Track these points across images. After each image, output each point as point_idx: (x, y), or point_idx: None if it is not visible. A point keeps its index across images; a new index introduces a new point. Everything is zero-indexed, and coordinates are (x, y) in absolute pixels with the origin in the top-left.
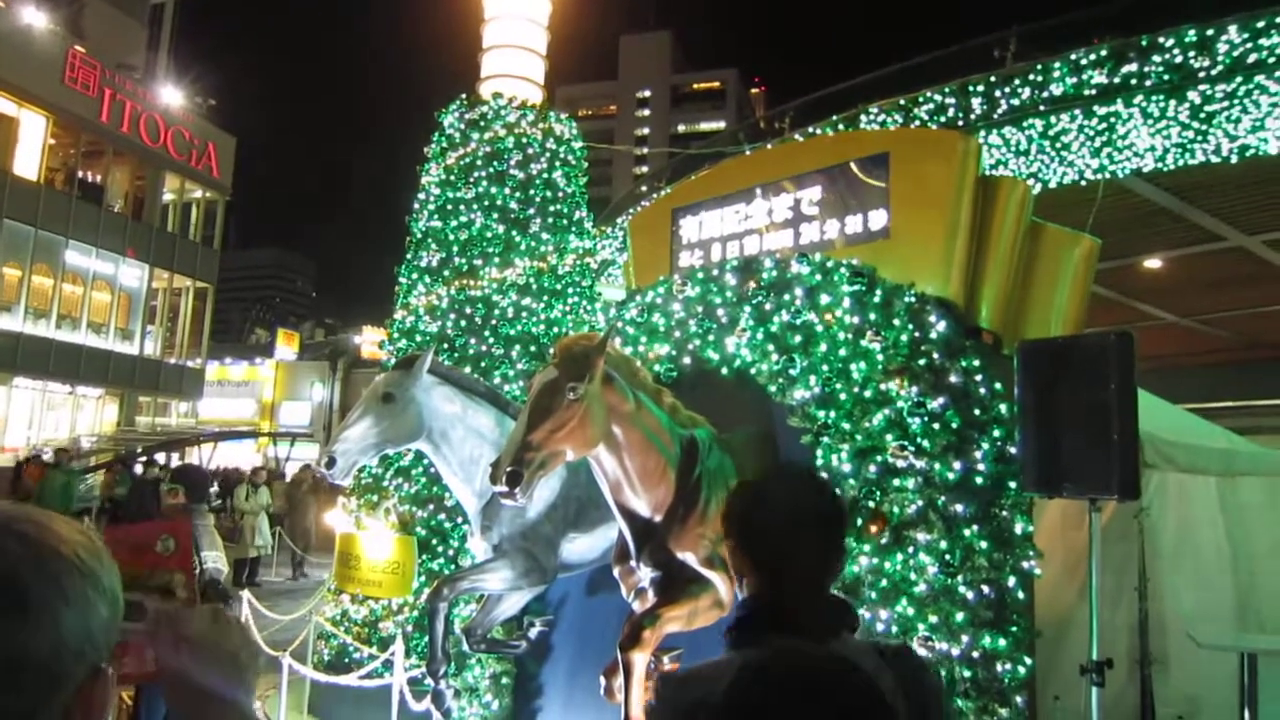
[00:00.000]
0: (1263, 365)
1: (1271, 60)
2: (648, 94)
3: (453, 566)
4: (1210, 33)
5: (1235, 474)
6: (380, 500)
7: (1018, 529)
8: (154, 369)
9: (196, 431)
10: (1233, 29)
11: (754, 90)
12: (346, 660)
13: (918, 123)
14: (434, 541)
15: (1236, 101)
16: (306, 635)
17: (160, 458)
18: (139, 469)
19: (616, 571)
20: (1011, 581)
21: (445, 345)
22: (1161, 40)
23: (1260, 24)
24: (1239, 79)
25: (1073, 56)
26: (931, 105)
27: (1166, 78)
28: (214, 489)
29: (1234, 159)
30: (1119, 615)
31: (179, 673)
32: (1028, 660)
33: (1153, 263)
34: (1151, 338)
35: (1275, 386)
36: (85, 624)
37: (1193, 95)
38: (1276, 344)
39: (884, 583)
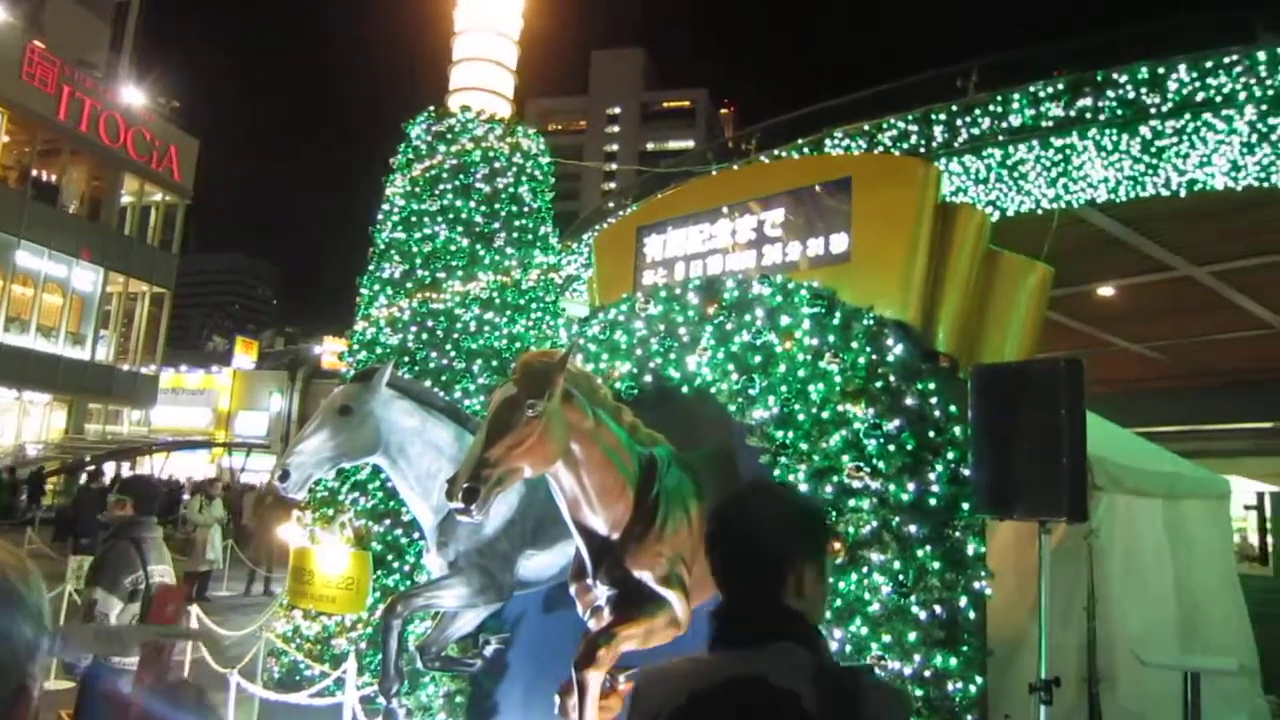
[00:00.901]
0: (1210, 391)
1: (1219, 99)
2: (618, 110)
3: (409, 583)
4: (1161, 71)
5: (1180, 496)
6: (336, 514)
7: (970, 550)
8: (106, 375)
9: (148, 440)
10: (1182, 68)
11: (724, 110)
12: (298, 678)
13: (881, 148)
14: (390, 557)
15: (1185, 138)
16: (257, 652)
17: (110, 467)
18: (83, 478)
19: (573, 589)
20: (964, 601)
21: (406, 358)
22: (1116, 76)
23: (1209, 64)
24: (1188, 116)
25: (1031, 89)
26: (895, 132)
27: (1120, 112)
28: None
29: (1182, 192)
30: (1068, 635)
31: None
32: (979, 679)
33: (1106, 290)
34: (1104, 363)
35: (1222, 411)
36: (9, 644)
37: (1144, 130)
38: (1223, 370)
39: (839, 602)
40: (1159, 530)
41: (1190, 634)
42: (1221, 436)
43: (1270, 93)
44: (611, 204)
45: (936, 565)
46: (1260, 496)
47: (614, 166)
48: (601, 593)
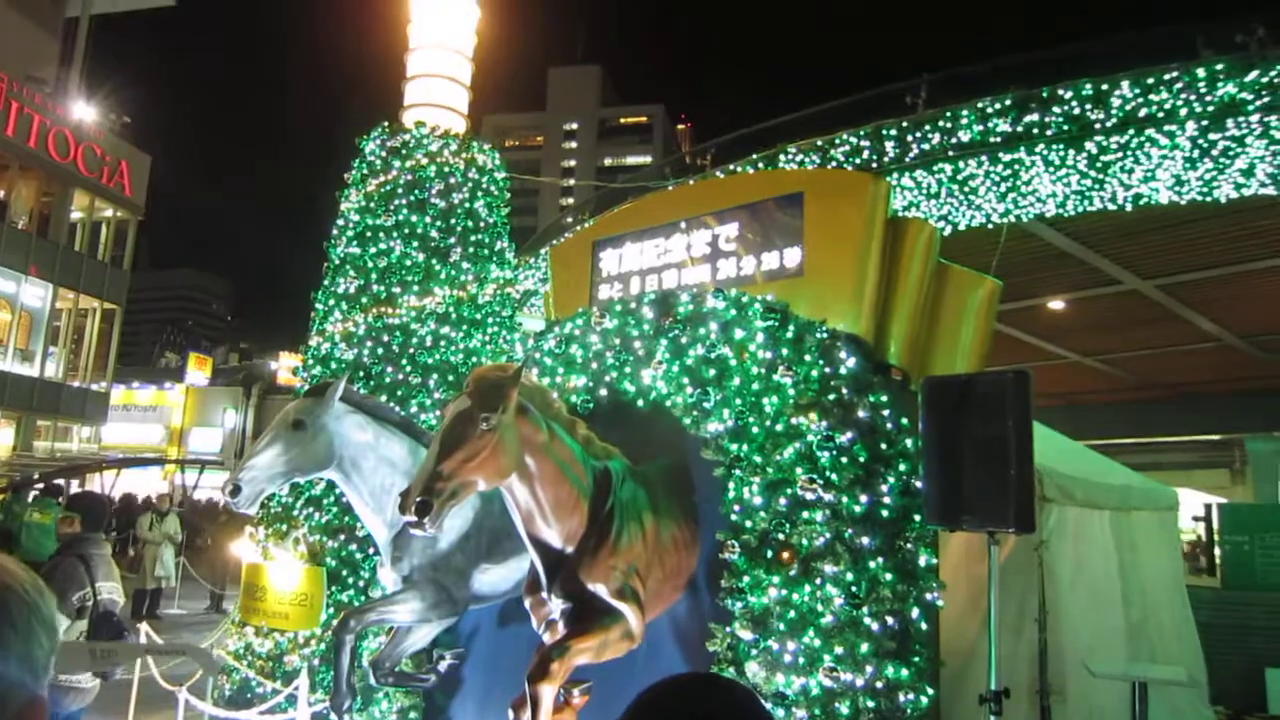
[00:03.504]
0: (1160, 403)
1: (1160, 115)
2: (575, 126)
3: (363, 598)
4: (1105, 87)
5: (1129, 509)
6: (289, 530)
7: (921, 561)
8: (55, 392)
9: (98, 458)
10: (1125, 84)
11: (680, 126)
12: (249, 695)
13: (834, 163)
14: (344, 573)
15: (1129, 153)
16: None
17: (59, 485)
18: (31, 496)
19: (528, 603)
20: (915, 613)
21: (361, 373)
22: (1061, 92)
23: (1150, 80)
24: (1131, 132)
25: (979, 105)
26: (847, 147)
27: (1066, 128)
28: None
29: (1128, 207)
30: (1020, 646)
31: None
32: (930, 690)
33: (1056, 304)
34: (1056, 376)
35: (1171, 424)
36: (30, 657)
37: (1090, 145)
38: (1172, 383)
39: (792, 614)
40: (1108, 542)
41: (1139, 644)
42: (1171, 449)
43: (1210, 109)
44: (569, 219)
45: (889, 577)
46: (1208, 508)
47: (571, 182)
48: (556, 606)
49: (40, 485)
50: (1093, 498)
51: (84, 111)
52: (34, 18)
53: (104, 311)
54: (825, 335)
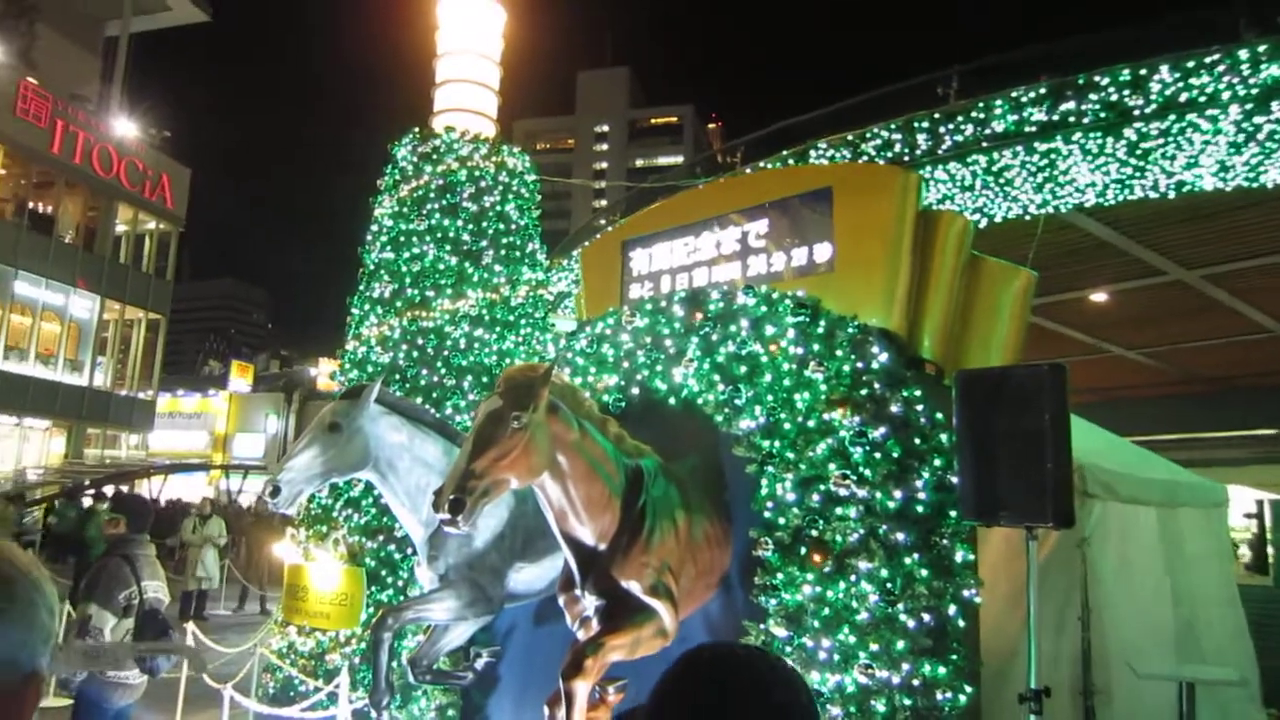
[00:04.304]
0: (1208, 398)
1: (1202, 99)
2: (605, 129)
3: (401, 598)
4: (1144, 72)
5: (1175, 505)
6: (329, 531)
7: (958, 557)
8: (103, 401)
9: (146, 464)
10: (1164, 69)
11: (711, 126)
12: (291, 693)
13: (865, 158)
14: (383, 573)
15: (1171, 139)
16: (251, 668)
17: (108, 491)
18: (87, 502)
19: (562, 600)
20: (952, 610)
21: (397, 376)
22: (1097, 79)
23: (1190, 64)
24: (1172, 117)
25: (1013, 94)
26: (879, 141)
27: (1103, 115)
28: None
29: (1171, 194)
30: (1063, 645)
31: None
32: (968, 689)
33: (1098, 296)
34: (1099, 370)
35: (1220, 419)
36: (30, 630)
37: (1129, 133)
38: (1219, 376)
39: (826, 611)
40: (1154, 539)
41: (1188, 645)
42: (1221, 445)
43: (1254, 91)
44: (601, 220)
45: (924, 573)
46: (1260, 504)
47: (602, 184)
48: (589, 603)
49: (91, 491)
50: (1137, 493)
51: (125, 127)
52: (76, 38)
53: (149, 322)
54: (856, 330)
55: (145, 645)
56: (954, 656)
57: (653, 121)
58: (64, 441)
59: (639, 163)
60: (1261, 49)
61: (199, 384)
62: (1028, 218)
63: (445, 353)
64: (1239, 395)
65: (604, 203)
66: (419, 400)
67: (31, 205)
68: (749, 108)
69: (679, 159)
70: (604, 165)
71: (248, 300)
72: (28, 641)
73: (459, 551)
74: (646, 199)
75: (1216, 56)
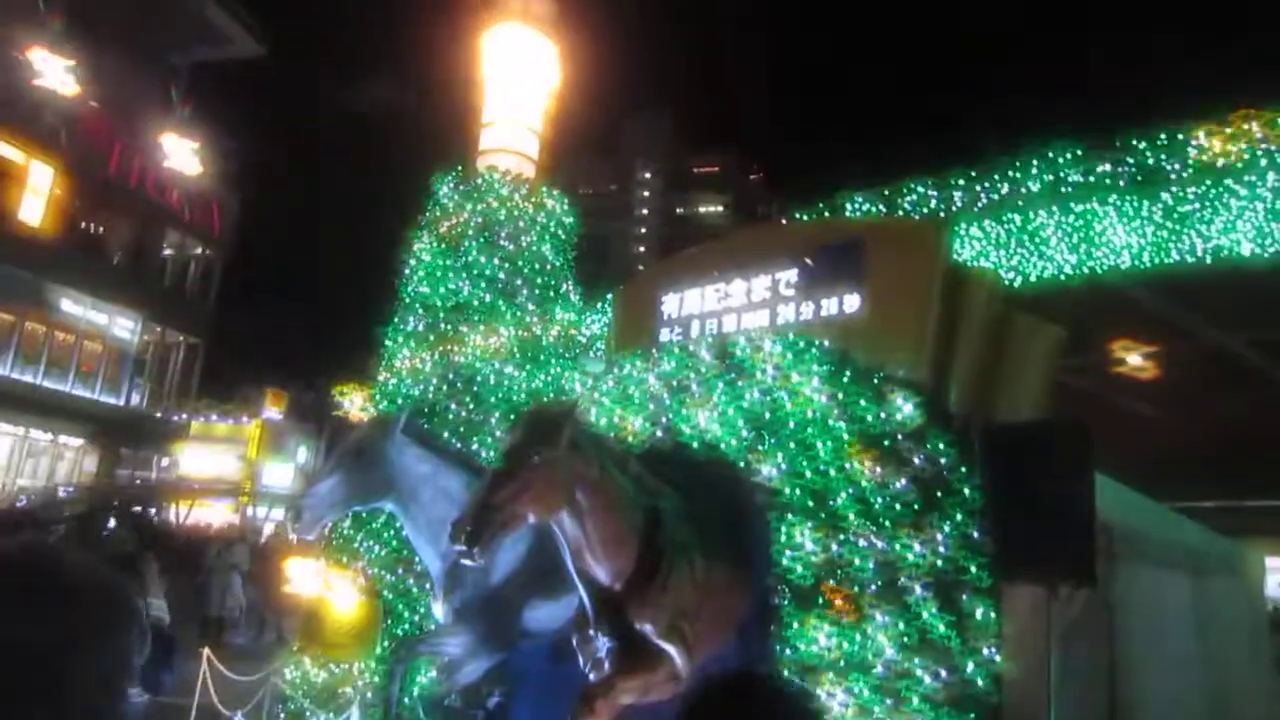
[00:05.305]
0: (1248, 465)
1: (1239, 165)
2: (648, 175)
3: (418, 632)
4: (1180, 136)
5: (1209, 571)
6: (350, 562)
7: (978, 614)
8: (138, 421)
9: (175, 486)
10: (1201, 133)
11: (752, 177)
12: None
13: (900, 212)
14: (400, 606)
15: (1208, 204)
16: (263, 697)
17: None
18: (112, 522)
19: (575, 640)
20: (970, 667)
21: (426, 409)
22: (1135, 142)
23: (1228, 130)
24: (1208, 182)
25: (1049, 154)
26: (915, 196)
27: (1139, 178)
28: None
29: (1209, 259)
30: (1088, 712)
31: None
32: None
33: (1134, 358)
34: (1135, 433)
35: (1260, 487)
36: (127, 653)
37: (1165, 196)
38: (1259, 444)
39: (841, 662)
40: (1186, 605)
41: (1219, 712)
42: (1262, 514)
43: None
44: (640, 267)
45: (942, 628)
46: None
47: (642, 230)
48: (602, 644)
49: (118, 511)
50: (1168, 558)
51: (180, 153)
52: (138, 64)
53: (188, 345)
54: (882, 381)
55: None
56: (972, 715)
57: (695, 170)
58: (97, 460)
59: (680, 210)
60: None
61: (233, 409)
62: (1062, 278)
63: (475, 388)
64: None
65: (643, 249)
66: (447, 434)
67: (83, 225)
68: (791, 152)
69: (719, 208)
70: (644, 212)
71: (285, 328)
72: (127, 662)
73: (476, 586)
74: (685, 247)
75: (1254, 124)
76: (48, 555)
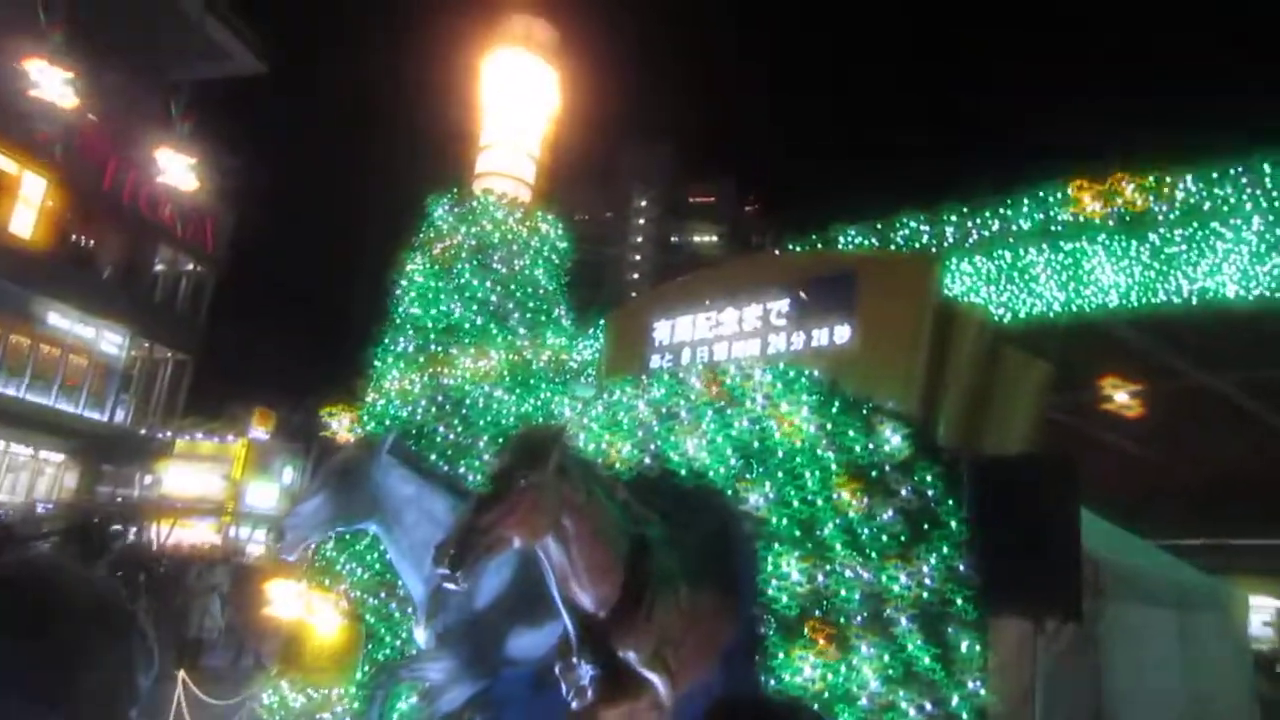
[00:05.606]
0: (1233, 503)
1: (1225, 209)
2: (644, 203)
3: (400, 656)
4: (1168, 179)
5: (1195, 609)
6: (332, 584)
7: (964, 647)
8: (121, 438)
9: (156, 505)
10: (1188, 177)
11: (748, 208)
12: None
13: (893, 246)
14: (382, 630)
15: (1194, 246)
16: None
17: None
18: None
19: (558, 667)
20: (956, 700)
21: (414, 431)
22: (1123, 183)
23: (1214, 175)
24: (1195, 224)
25: (1040, 192)
26: (907, 231)
27: (1127, 219)
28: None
29: (1194, 300)
30: None
31: None
32: None
33: (1120, 395)
34: (1122, 471)
35: (1244, 526)
36: (132, 672)
37: (1153, 237)
38: (1246, 483)
39: (826, 694)
40: (1171, 642)
41: None
42: (1245, 553)
43: (1276, 203)
44: (634, 294)
45: (927, 661)
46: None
47: (637, 258)
48: (585, 672)
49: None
50: (1155, 594)
51: (176, 169)
52: (137, 79)
53: (176, 361)
54: (871, 412)
55: None
56: None
57: (691, 200)
58: (78, 476)
59: (675, 239)
60: None
61: (219, 428)
62: (1050, 315)
63: (464, 411)
64: (1265, 503)
65: (637, 276)
66: (434, 457)
67: (74, 238)
68: (787, 181)
69: (714, 238)
70: (639, 239)
71: (275, 348)
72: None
73: (459, 611)
74: (679, 275)
75: (1240, 169)
76: (46, 570)
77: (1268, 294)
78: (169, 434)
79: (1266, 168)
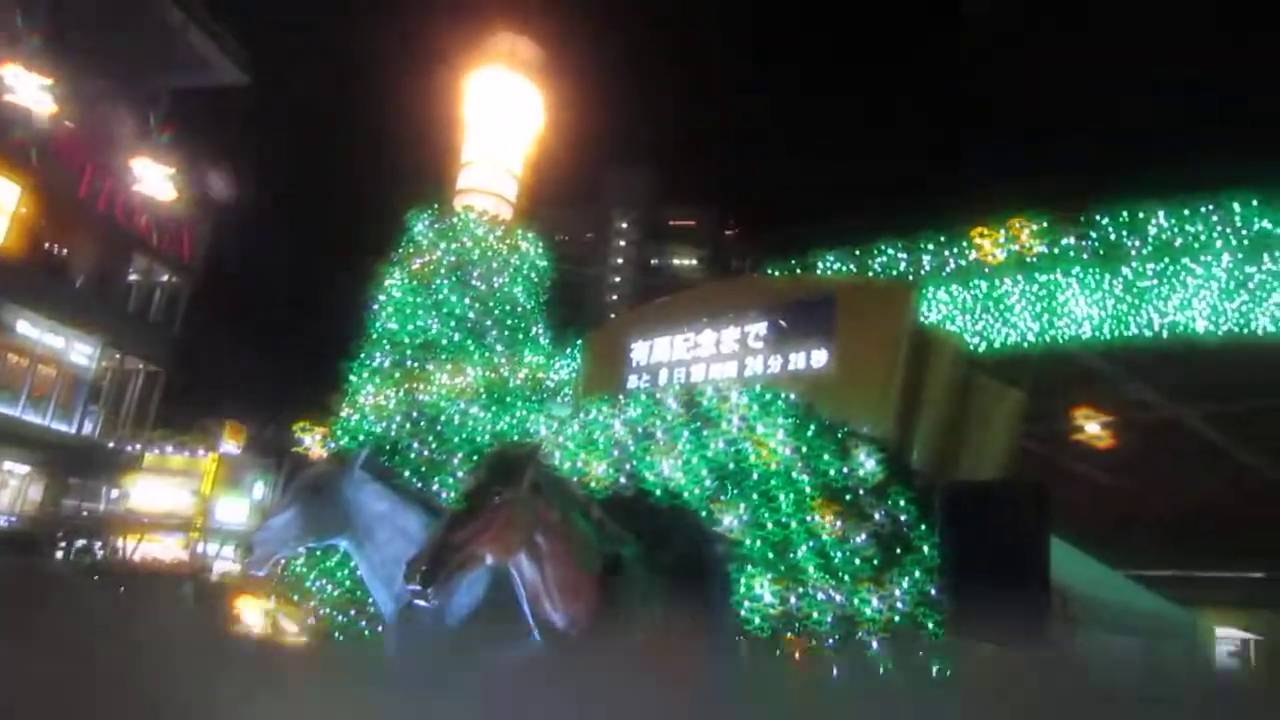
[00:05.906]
0: (1203, 535)
1: (1196, 245)
2: (625, 225)
3: None
4: (1141, 215)
5: (1161, 638)
6: (301, 601)
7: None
8: (89, 450)
9: (123, 519)
10: (1161, 213)
11: (728, 232)
12: None
13: (870, 273)
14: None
15: (1165, 280)
16: None
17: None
18: (59, 555)
19: None
20: None
21: (388, 447)
22: (1097, 217)
23: (1185, 211)
24: (1166, 260)
25: (1016, 224)
26: (885, 258)
27: (1101, 252)
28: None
29: (1165, 334)
30: None
31: None
32: None
33: (1092, 426)
34: (1093, 501)
35: (1213, 558)
36: None
37: (1125, 271)
38: (1216, 515)
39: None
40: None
41: None
42: (1211, 585)
43: (1245, 241)
44: (613, 315)
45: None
46: (1245, 644)
47: (617, 279)
48: None
49: (63, 544)
50: (1123, 624)
51: (153, 178)
52: (116, 87)
53: (148, 373)
54: (846, 436)
55: None
56: None
57: (672, 222)
58: (43, 489)
59: (655, 261)
60: (1254, 202)
61: (190, 441)
62: (1024, 345)
63: (439, 427)
64: (1235, 535)
65: (616, 298)
66: (408, 473)
67: (47, 246)
68: (767, 206)
69: (694, 261)
70: (620, 261)
71: (249, 360)
72: None
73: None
74: (657, 295)
75: (1210, 207)
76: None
77: (1236, 330)
78: (138, 447)
79: (1236, 206)
